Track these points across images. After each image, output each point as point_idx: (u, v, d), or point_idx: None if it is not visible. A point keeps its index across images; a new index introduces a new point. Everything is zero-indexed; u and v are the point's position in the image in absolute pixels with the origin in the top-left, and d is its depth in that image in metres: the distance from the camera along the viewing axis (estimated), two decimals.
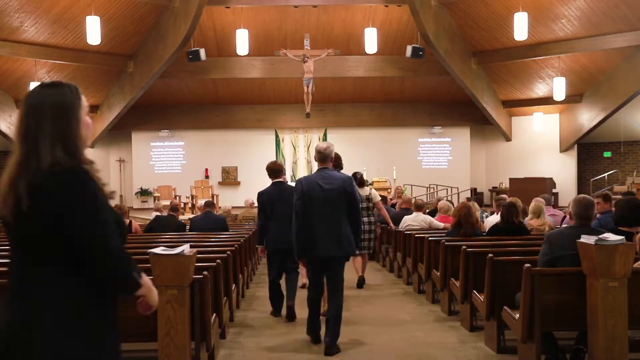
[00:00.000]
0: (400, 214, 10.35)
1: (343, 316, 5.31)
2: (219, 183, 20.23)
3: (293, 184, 5.86)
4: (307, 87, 17.31)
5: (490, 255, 5.21)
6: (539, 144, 19.03)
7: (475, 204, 8.71)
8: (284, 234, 5.71)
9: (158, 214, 11.46)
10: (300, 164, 20.51)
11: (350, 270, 7.42)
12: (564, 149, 18.90)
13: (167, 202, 13.89)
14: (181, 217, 11.31)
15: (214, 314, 4.88)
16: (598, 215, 6.54)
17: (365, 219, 8.07)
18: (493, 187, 19.74)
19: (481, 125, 20.04)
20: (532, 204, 7.84)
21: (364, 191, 8.36)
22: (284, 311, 6.46)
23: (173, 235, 8.15)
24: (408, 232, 8.58)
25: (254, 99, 19.77)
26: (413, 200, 11.34)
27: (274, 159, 20.26)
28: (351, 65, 18.35)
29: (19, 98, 16.91)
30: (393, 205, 12.40)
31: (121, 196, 19.89)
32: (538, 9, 14.79)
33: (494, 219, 7.94)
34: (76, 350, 1.88)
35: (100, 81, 17.55)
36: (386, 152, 20.13)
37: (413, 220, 9.16)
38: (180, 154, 20.53)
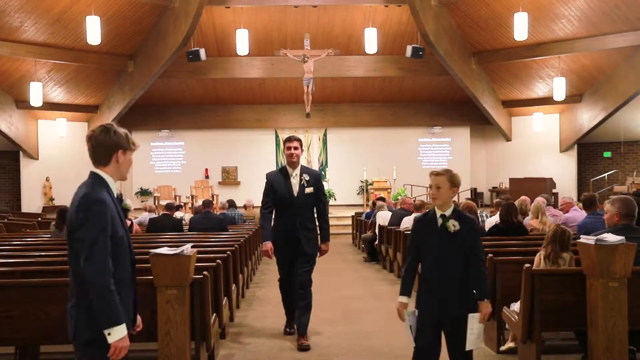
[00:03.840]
0: (399, 213, 10.39)
1: (343, 314, 5.31)
2: (219, 183, 20.23)
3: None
4: (307, 87, 17.32)
5: (490, 255, 5.22)
6: (539, 144, 19.03)
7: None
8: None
9: (151, 215, 11.27)
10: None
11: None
12: (564, 149, 18.89)
13: (163, 202, 13.80)
14: (179, 215, 11.25)
15: (214, 314, 4.88)
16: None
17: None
18: (493, 187, 19.74)
19: (481, 125, 20.05)
20: (532, 204, 7.83)
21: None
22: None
23: (173, 235, 8.15)
24: (408, 232, 8.58)
25: (254, 99, 19.77)
26: (412, 201, 11.36)
27: (274, 159, 20.31)
28: (351, 65, 18.35)
29: (19, 98, 16.93)
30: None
31: (121, 196, 19.86)
32: (538, 9, 14.79)
33: (495, 219, 7.93)
34: None
35: (100, 81, 17.55)
36: (386, 152, 20.13)
37: (412, 221, 9.17)
38: (180, 154, 20.53)
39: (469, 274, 3.48)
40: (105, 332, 2.54)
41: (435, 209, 3.58)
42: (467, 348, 3.44)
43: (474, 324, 3.42)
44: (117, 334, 2.56)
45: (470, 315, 3.42)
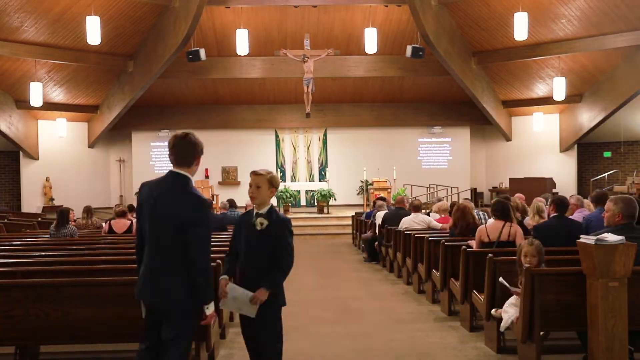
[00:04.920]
0: (394, 212, 10.39)
1: (343, 314, 5.31)
2: (219, 183, 20.23)
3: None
4: (307, 87, 17.31)
5: (490, 255, 5.22)
6: (539, 144, 19.04)
7: (471, 204, 8.79)
8: None
9: None
10: (300, 164, 20.51)
11: None
12: (564, 149, 18.90)
13: None
14: None
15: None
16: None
17: None
18: (493, 187, 19.75)
19: (481, 125, 20.05)
20: (532, 204, 7.83)
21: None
22: None
23: None
24: (408, 232, 8.59)
25: (254, 99, 19.78)
26: (409, 200, 11.35)
27: (274, 159, 20.33)
28: (351, 65, 18.35)
29: (19, 98, 16.93)
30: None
31: (121, 196, 19.90)
32: (538, 9, 14.79)
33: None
34: None
35: (100, 81, 17.55)
36: (386, 152, 20.14)
37: (412, 221, 9.19)
38: None
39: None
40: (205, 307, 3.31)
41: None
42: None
43: (238, 292, 3.58)
44: (211, 307, 3.34)
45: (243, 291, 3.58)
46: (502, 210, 6.14)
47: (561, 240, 5.65)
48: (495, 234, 5.99)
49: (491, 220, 6.33)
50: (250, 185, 3.74)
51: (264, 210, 3.69)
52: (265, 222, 3.63)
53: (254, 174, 3.75)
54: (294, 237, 3.73)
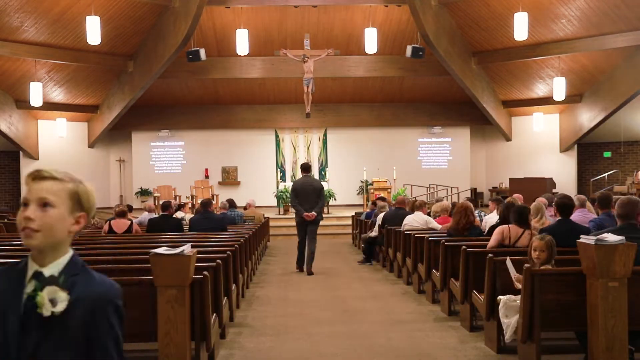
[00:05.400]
0: (394, 212, 10.41)
1: (342, 314, 5.31)
2: (219, 183, 20.24)
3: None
4: (307, 87, 17.31)
5: (490, 255, 5.22)
6: (539, 144, 19.04)
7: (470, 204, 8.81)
8: None
9: (151, 215, 11.26)
10: (300, 164, 20.49)
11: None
12: (564, 149, 18.90)
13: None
14: (180, 215, 11.23)
15: (214, 314, 4.88)
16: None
17: None
18: (493, 187, 19.75)
19: (481, 125, 20.05)
20: (533, 204, 7.82)
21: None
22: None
23: (173, 235, 8.15)
24: (408, 232, 8.59)
25: (254, 99, 19.78)
26: (413, 200, 11.33)
27: (274, 159, 20.34)
28: (351, 65, 18.35)
29: (19, 98, 16.93)
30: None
31: (121, 196, 19.90)
32: (538, 9, 14.80)
33: (493, 218, 7.93)
34: None
35: (100, 81, 17.55)
36: (386, 152, 20.14)
37: (413, 220, 9.19)
38: (180, 154, 20.54)
39: None
40: None
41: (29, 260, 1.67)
42: None
43: None
44: None
45: None
46: (521, 217, 6.00)
47: (566, 244, 5.48)
48: (514, 238, 5.95)
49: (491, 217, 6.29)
50: (26, 204, 1.64)
51: (53, 266, 1.64)
52: (63, 300, 1.59)
53: (36, 177, 1.66)
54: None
